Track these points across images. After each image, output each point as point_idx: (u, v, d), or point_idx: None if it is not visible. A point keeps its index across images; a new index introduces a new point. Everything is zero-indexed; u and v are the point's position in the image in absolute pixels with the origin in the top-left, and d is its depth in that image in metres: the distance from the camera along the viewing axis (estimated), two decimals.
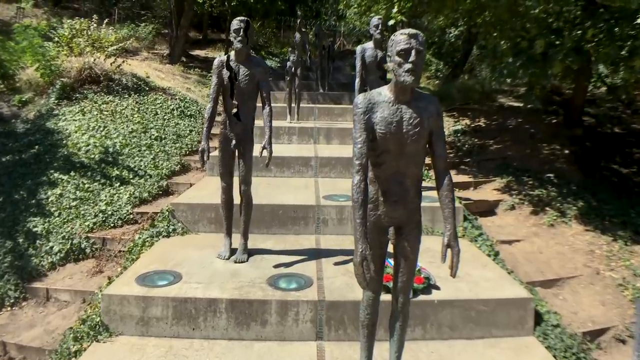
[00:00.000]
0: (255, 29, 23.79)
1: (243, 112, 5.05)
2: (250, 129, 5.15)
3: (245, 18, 4.93)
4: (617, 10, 6.67)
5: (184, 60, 16.75)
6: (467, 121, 11.12)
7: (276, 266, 5.06)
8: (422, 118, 2.98)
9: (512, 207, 7.38)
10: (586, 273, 5.84)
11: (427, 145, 3.08)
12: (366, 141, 2.93)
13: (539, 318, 4.62)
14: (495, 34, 9.59)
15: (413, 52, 2.86)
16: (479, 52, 18.40)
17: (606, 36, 6.69)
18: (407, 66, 2.86)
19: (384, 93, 3.02)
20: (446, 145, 3.11)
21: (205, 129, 4.98)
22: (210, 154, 4.93)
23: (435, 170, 3.08)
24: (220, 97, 5.10)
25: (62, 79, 10.14)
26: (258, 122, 5.24)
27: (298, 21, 14.19)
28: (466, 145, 9.84)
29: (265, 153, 4.85)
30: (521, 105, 11.61)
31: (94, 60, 10.78)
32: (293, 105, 11.23)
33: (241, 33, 4.84)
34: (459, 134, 10.39)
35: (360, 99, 2.99)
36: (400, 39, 2.89)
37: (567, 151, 9.15)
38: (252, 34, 4.97)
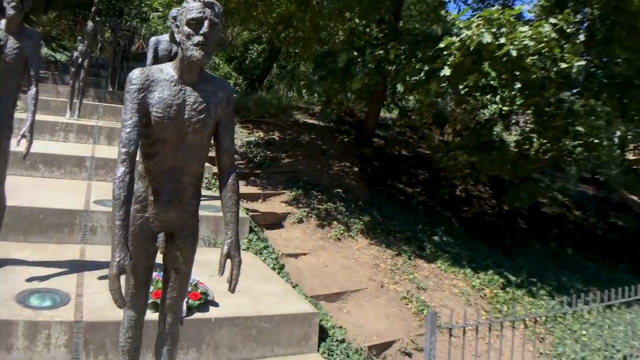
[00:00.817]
0: (50, 19, 21.68)
1: (4, 92, 4.14)
2: (10, 115, 4.23)
3: None
4: (421, 33, 6.93)
5: None
6: (261, 134, 11.00)
7: (29, 280, 4.24)
8: (209, 104, 2.51)
9: (300, 220, 7.25)
10: (371, 286, 5.86)
11: (213, 138, 2.61)
12: (138, 125, 2.41)
13: (324, 333, 4.47)
14: (297, 51, 9.62)
15: (206, 22, 2.37)
16: (279, 71, 18.68)
17: (407, 58, 6.88)
18: (197, 39, 2.36)
19: (167, 70, 2.50)
20: (235, 140, 2.65)
21: None
22: None
23: (220, 166, 2.61)
24: None
25: None
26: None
27: (92, 9, 12.63)
28: (258, 157, 9.67)
29: (24, 143, 4.03)
30: (316, 122, 11.82)
31: None
32: (75, 100, 9.97)
33: None
34: (251, 146, 10.23)
35: (136, 73, 2.42)
36: (192, 6, 2.39)
37: (356, 169, 9.47)
38: (28, 1, 4.12)
